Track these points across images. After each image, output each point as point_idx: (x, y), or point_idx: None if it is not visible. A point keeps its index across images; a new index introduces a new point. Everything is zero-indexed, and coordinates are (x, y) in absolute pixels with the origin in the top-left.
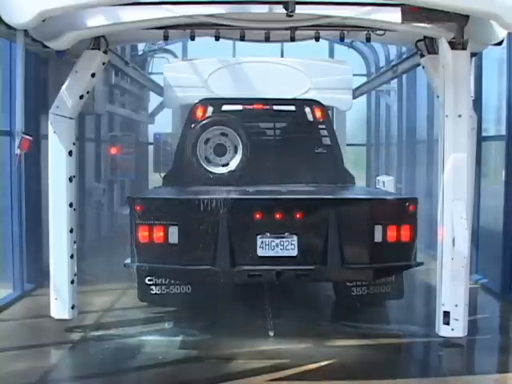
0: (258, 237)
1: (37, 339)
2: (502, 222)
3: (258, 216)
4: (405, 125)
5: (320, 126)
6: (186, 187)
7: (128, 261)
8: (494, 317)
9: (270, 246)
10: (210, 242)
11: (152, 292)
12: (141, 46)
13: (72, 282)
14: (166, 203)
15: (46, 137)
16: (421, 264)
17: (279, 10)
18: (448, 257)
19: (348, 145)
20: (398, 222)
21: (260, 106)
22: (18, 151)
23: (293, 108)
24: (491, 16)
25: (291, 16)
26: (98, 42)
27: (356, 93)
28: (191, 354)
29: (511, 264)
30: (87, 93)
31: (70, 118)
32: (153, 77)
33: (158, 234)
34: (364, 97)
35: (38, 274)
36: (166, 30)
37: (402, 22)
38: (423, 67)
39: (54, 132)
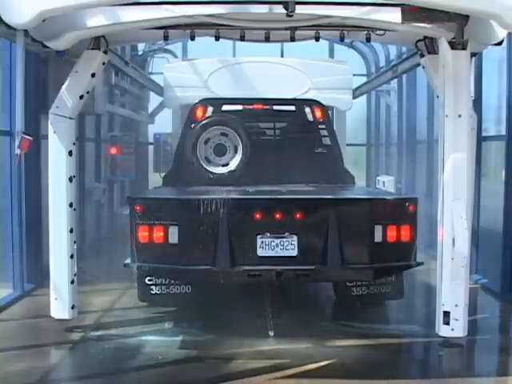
0: (258, 237)
1: (37, 339)
2: (502, 222)
3: (258, 216)
4: (405, 125)
5: (320, 126)
6: (186, 187)
7: (128, 261)
8: (494, 317)
9: (270, 246)
10: (209, 242)
11: (152, 292)
12: (141, 46)
13: (72, 282)
14: (166, 203)
15: (46, 137)
16: (421, 264)
17: (279, 10)
18: (448, 257)
19: (348, 145)
20: (398, 222)
21: (260, 106)
22: (17, 151)
23: (293, 108)
24: (491, 16)
25: (291, 16)
26: (98, 42)
27: (356, 93)
28: (191, 354)
29: (511, 264)
30: (87, 93)
31: (70, 118)
32: (153, 77)
33: (158, 234)
34: (364, 97)
35: (38, 274)
36: (166, 30)
37: (402, 22)
38: (423, 67)
39: (54, 132)
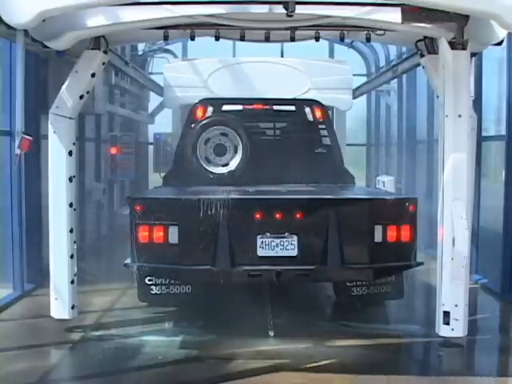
0: (258, 237)
1: (37, 339)
2: (502, 222)
3: (258, 216)
4: (405, 125)
5: (320, 126)
6: (186, 187)
7: (128, 261)
8: (494, 317)
9: (270, 246)
10: (210, 242)
11: (152, 292)
12: (141, 46)
13: (72, 282)
14: (165, 203)
15: (46, 137)
16: (421, 264)
17: (279, 10)
18: (448, 257)
19: (348, 145)
20: (398, 222)
21: (260, 106)
22: (17, 151)
23: (293, 108)
24: (491, 16)
25: (291, 16)
26: (98, 42)
27: (356, 93)
28: (191, 354)
29: (511, 264)
30: (87, 93)
31: (70, 118)
32: (153, 77)
33: (158, 234)
34: (364, 97)
35: (38, 274)
36: (166, 30)
37: (402, 22)
38: (423, 67)
39: (54, 132)
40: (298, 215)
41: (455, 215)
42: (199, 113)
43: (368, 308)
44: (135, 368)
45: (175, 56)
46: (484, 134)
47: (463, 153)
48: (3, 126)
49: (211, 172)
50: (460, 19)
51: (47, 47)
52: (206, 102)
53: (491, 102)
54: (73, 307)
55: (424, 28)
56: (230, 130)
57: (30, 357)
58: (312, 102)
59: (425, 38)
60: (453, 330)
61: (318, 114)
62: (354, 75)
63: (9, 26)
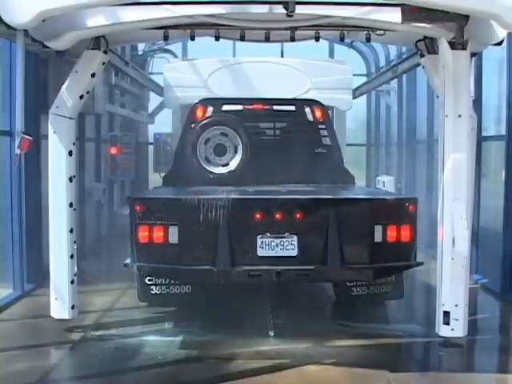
0: (258, 237)
1: (37, 339)
2: (502, 222)
3: (258, 216)
4: (405, 125)
5: (320, 126)
6: (186, 187)
7: (128, 261)
8: (494, 317)
9: (270, 246)
10: (210, 242)
11: (152, 292)
12: (141, 46)
13: (72, 282)
14: (165, 203)
15: (46, 137)
16: (421, 264)
17: (279, 10)
18: (448, 257)
19: (348, 145)
20: (398, 222)
21: (260, 106)
22: (18, 151)
23: (293, 108)
24: (491, 16)
25: (291, 16)
26: (98, 42)
27: (356, 93)
28: (191, 354)
29: (511, 264)
30: (87, 93)
31: (70, 118)
32: (153, 77)
33: (158, 234)
34: (364, 97)
35: (38, 274)
36: (166, 30)
37: (402, 22)
38: (423, 67)
39: (54, 132)
40: (297, 215)
41: (455, 215)
42: (199, 113)
43: (368, 308)
44: (135, 368)
45: (175, 56)
46: (484, 133)
47: (463, 153)
48: (3, 126)
49: (211, 172)
50: (460, 19)
51: (47, 47)
52: (205, 101)
53: (491, 102)
54: (73, 307)
55: (424, 28)
56: (230, 130)
57: (30, 357)
58: (312, 102)
59: (425, 37)
60: (453, 330)
61: (318, 114)
62: (354, 75)
63: (9, 26)
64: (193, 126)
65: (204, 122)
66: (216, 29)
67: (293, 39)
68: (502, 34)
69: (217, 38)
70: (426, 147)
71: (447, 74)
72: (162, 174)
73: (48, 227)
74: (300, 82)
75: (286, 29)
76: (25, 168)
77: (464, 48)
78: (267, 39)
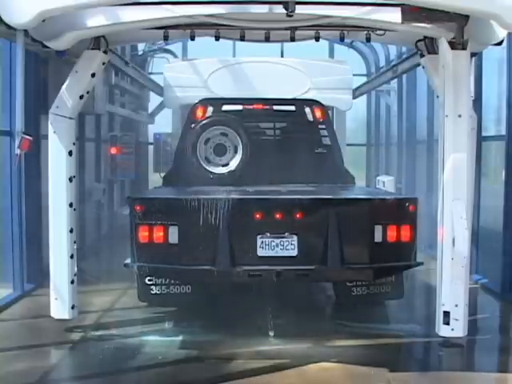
0: (258, 237)
1: (37, 339)
2: (502, 222)
3: (258, 216)
4: (405, 125)
5: (320, 126)
6: (186, 187)
7: (128, 261)
8: (494, 317)
9: (270, 246)
10: (210, 242)
11: (152, 292)
12: (141, 46)
13: (72, 282)
14: (165, 203)
15: (46, 137)
16: (421, 264)
17: (279, 10)
18: (448, 257)
19: (348, 145)
20: (398, 222)
21: (260, 106)
22: (17, 151)
23: (293, 108)
24: (491, 16)
25: (291, 16)
26: (98, 42)
27: (356, 93)
28: (191, 354)
29: (511, 264)
30: (87, 93)
31: (70, 118)
32: (153, 77)
33: (158, 234)
34: (364, 97)
35: (38, 274)
36: (166, 30)
37: (402, 22)
38: (423, 67)
39: (54, 132)
40: (297, 215)
41: (455, 215)
42: (199, 113)
43: (368, 308)
44: (135, 368)
45: (175, 56)
46: (484, 133)
47: (463, 153)
48: (3, 126)
49: (211, 172)
50: (460, 19)
51: (47, 47)
52: (205, 101)
53: (491, 102)
54: (73, 307)
55: (424, 28)
56: (230, 129)
57: (30, 357)
58: (312, 102)
59: (425, 37)
60: (453, 330)
61: (318, 114)
62: (354, 75)
63: (9, 26)
64: (193, 126)
65: (204, 121)
66: (216, 29)
67: (293, 39)
68: (502, 34)
69: (217, 38)
70: (425, 147)
71: (447, 74)
72: (162, 174)
73: (48, 227)
74: (300, 81)
75: (286, 29)
76: (25, 168)
77: (464, 48)
78: (267, 39)
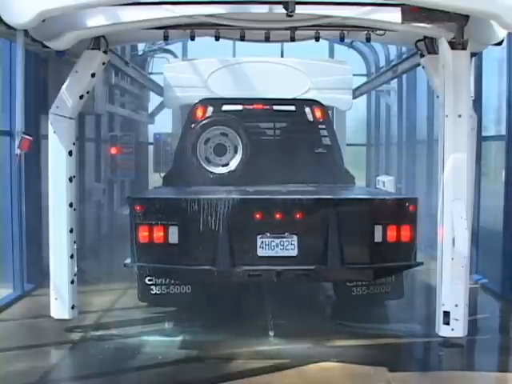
0: (258, 237)
1: (37, 339)
2: (502, 222)
3: (258, 216)
4: (405, 125)
5: (320, 126)
6: (186, 187)
7: (128, 261)
8: (494, 317)
9: (270, 246)
10: (210, 242)
11: (152, 292)
12: (141, 46)
13: (72, 282)
14: (166, 203)
15: (46, 137)
16: (421, 264)
17: (279, 10)
18: (448, 257)
19: (348, 145)
20: (398, 222)
21: (260, 106)
22: (18, 151)
23: (293, 108)
24: (491, 16)
25: (291, 16)
26: (98, 42)
27: (356, 93)
28: (191, 354)
29: (511, 264)
30: (87, 93)
31: (70, 118)
32: (153, 77)
33: (158, 234)
34: (364, 97)
35: (38, 274)
36: (166, 30)
37: (402, 22)
38: (423, 67)
39: (54, 132)
40: (297, 215)
41: (455, 215)
42: (199, 113)
43: (368, 308)
44: (135, 368)
45: (175, 56)
46: (484, 133)
47: (463, 153)
48: (3, 126)
49: (211, 172)
50: (460, 19)
51: (47, 47)
52: (206, 102)
53: (491, 102)
54: (73, 307)
55: (424, 28)
56: (230, 129)
57: (30, 357)
58: (312, 102)
59: (425, 37)
60: (453, 330)
61: (318, 114)
62: (354, 75)
63: (9, 26)
64: (193, 126)
65: (204, 122)
66: (216, 29)
67: (293, 39)
68: (502, 34)
69: (217, 38)
70: (426, 147)
71: (447, 74)
72: (162, 174)
73: (48, 227)
74: (300, 81)
75: (286, 29)
76: (25, 168)
77: (464, 48)
78: (267, 39)
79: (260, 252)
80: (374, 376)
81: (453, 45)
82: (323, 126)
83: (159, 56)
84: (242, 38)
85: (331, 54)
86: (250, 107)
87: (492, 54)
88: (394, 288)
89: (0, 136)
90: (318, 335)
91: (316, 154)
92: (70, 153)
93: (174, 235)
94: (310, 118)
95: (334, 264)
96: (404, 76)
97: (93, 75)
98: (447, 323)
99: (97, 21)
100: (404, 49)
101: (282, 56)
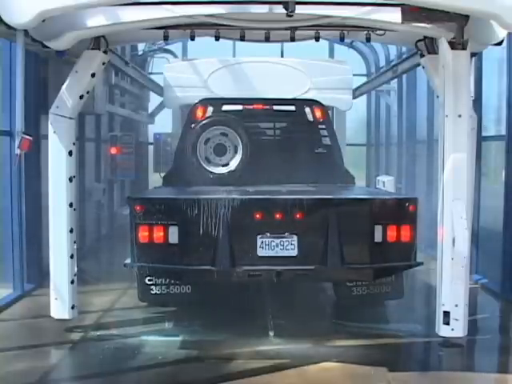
0: (258, 237)
1: (37, 339)
2: (502, 222)
3: (258, 216)
4: (405, 125)
5: (320, 126)
6: (186, 187)
7: (128, 261)
8: (494, 317)
9: (270, 246)
10: (210, 242)
11: (152, 292)
12: (141, 46)
13: (72, 282)
14: (165, 203)
15: (46, 137)
16: (421, 264)
17: (279, 10)
18: (448, 257)
19: (348, 145)
20: (398, 222)
21: (260, 106)
22: (17, 151)
23: (293, 108)
24: (491, 16)
25: (291, 16)
26: (98, 42)
27: (356, 93)
28: (191, 354)
29: (511, 264)
30: (87, 93)
31: (70, 118)
32: (153, 77)
33: (158, 234)
34: (364, 97)
35: (38, 274)
36: (166, 30)
37: (402, 22)
38: (423, 67)
39: (54, 132)
40: (297, 215)
41: (455, 215)
42: (199, 113)
43: (368, 308)
44: (135, 368)
45: (175, 56)
46: (484, 133)
47: (463, 153)
48: (3, 126)
49: (211, 172)
50: (460, 19)
51: (47, 47)
52: (205, 101)
53: (491, 102)
54: (73, 307)
55: (424, 28)
56: (230, 130)
57: (30, 357)
58: (312, 102)
59: (425, 37)
60: (453, 330)
61: (318, 114)
62: (354, 75)
63: (9, 26)
64: (193, 126)
65: (204, 122)
66: (216, 29)
67: (293, 39)
68: (502, 34)
69: (217, 38)
70: (426, 147)
71: (447, 74)
72: (162, 174)
73: (48, 227)
74: (300, 81)
75: (286, 29)
76: (25, 168)
77: (464, 48)
78: (267, 39)
79: (260, 252)
80: (374, 376)
81: (453, 45)
82: (323, 126)
83: (159, 56)
84: (242, 38)
85: (331, 54)
86: (250, 107)
87: (492, 54)
88: (394, 288)
89: (0, 136)
90: (318, 335)
91: (316, 154)
92: (70, 153)
93: (173, 235)
94: (310, 117)
95: (334, 264)
96: (404, 76)
97: (93, 75)
98: (447, 323)
99: (97, 21)
100: (404, 49)
101: (282, 56)
